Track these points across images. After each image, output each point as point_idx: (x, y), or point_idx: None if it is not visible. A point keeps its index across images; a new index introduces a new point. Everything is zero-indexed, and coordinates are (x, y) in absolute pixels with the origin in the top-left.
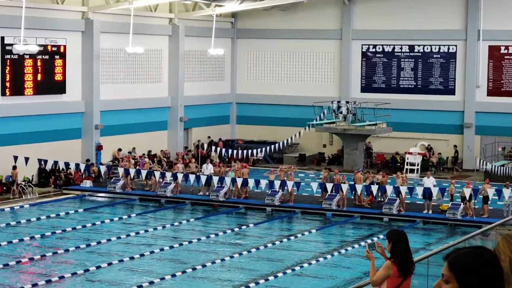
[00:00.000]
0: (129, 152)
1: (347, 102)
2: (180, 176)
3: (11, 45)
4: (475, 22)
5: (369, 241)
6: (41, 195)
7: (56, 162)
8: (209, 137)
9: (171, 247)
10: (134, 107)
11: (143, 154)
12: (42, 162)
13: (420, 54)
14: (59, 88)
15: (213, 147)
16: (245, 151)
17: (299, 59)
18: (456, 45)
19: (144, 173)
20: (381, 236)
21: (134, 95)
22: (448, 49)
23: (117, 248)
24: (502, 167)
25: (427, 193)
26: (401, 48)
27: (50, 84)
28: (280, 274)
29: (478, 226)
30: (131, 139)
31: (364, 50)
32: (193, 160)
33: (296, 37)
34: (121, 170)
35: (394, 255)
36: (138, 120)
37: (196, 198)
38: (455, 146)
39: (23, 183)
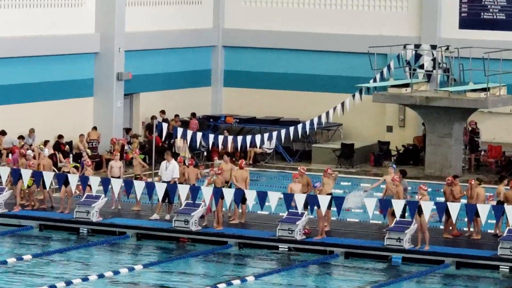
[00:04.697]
0: (21, 138)
1: (434, 48)
2: (116, 184)
3: None
4: None
5: None
6: None
7: None
8: (176, 115)
9: None
10: (32, 53)
11: (46, 142)
12: None
13: None
14: None
15: (180, 130)
16: (239, 138)
17: None
18: None
19: (48, 177)
20: None
21: (32, 31)
22: None
23: None
24: None
25: None
26: None
27: None
28: None
29: None
30: (23, 115)
31: None
32: (139, 153)
33: None
34: (4, 172)
35: None
36: (38, 78)
37: (145, 225)
38: None
39: None
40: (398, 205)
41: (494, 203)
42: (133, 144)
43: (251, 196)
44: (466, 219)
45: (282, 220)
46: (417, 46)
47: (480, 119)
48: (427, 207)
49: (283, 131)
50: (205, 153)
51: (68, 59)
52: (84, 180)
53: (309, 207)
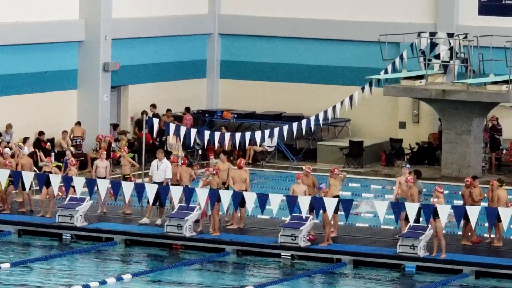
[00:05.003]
0: None
1: (451, 36)
2: (102, 186)
3: None
4: None
5: None
6: None
7: None
8: (168, 109)
9: None
10: (9, 41)
11: (25, 139)
12: None
13: None
14: None
15: (172, 126)
16: (237, 135)
17: None
18: None
19: (28, 178)
20: None
21: (8, 17)
22: None
23: None
24: None
25: None
26: None
27: None
28: None
29: None
30: (0, 109)
31: None
32: (128, 151)
33: None
34: None
35: None
36: (16, 69)
37: (134, 231)
38: None
39: None
40: (412, 209)
41: None
42: (121, 141)
43: (250, 198)
44: (486, 224)
45: (284, 225)
46: (433, 34)
47: (501, 114)
48: (443, 211)
49: (285, 128)
50: (200, 152)
51: (50, 48)
52: (67, 181)
53: (314, 211)
